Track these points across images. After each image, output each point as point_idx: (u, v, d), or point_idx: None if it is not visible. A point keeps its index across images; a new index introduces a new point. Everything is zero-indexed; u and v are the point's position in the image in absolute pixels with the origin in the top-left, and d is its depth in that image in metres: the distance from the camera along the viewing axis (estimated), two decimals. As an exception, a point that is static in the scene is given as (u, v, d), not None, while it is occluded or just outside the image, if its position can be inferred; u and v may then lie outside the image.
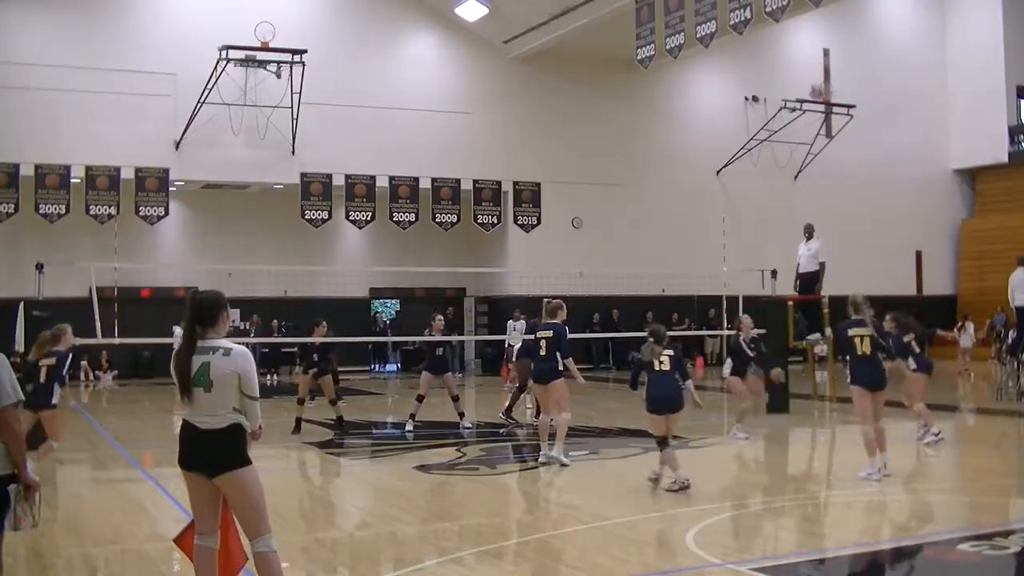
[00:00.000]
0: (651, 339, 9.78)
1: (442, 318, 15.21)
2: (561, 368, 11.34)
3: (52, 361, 10.32)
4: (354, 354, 27.33)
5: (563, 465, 10.93)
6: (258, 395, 5.39)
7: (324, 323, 14.82)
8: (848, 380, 10.49)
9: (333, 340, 15.38)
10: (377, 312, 28.10)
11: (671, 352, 9.62)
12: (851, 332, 10.12)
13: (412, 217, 25.62)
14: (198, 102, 22.75)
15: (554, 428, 11.32)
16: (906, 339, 13.14)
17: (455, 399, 14.74)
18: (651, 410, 9.55)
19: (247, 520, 5.31)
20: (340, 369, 24.63)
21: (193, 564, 5.46)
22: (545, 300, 12.76)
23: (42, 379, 10.23)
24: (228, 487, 5.29)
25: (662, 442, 9.50)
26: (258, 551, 5.28)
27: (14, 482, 5.18)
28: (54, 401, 10.29)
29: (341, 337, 24.71)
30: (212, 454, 5.27)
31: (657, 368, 9.56)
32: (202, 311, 5.39)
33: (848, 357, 10.33)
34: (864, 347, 10.03)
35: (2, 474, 5.17)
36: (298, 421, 14.32)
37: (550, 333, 11.54)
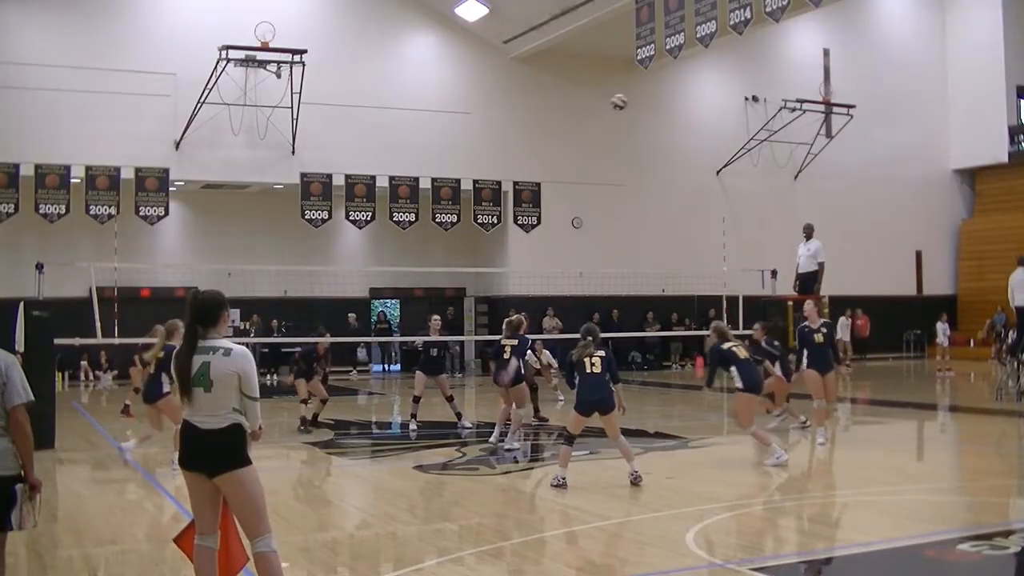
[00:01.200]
0: (588, 338, 9.80)
1: (439, 318, 15.31)
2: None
3: (162, 354, 11.13)
4: (352, 354, 27.38)
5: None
6: (258, 395, 5.40)
7: (327, 333, 15.24)
8: (739, 386, 11.13)
9: (322, 340, 15.56)
10: (350, 313, 26.29)
11: (603, 353, 9.69)
12: (727, 344, 11.16)
13: (412, 217, 25.62)
14: (198, 102, 22.75)
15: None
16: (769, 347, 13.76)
17: (449, 399, 14.75)
18: (580, 411, 9.67)
19: (247, 520, 5.31)
20: (339, 369, 24.72)
21: (193, 564, 5.47)
22: (506, 320, 13.28)
23: (151, 371, 11.34)
24: (228, 487, 5.29)
25: (571, 439, 9.76)
26: (258, 551, 5.28)
27: (19, 481, 5.24)
28: (166, 390, 11.11)
29: (341, 337, 24.80)
30: (212, 454, 5.28)
31: (588, 370, 9.63)
32: (203, 311, 5.40)
33: (733, 367, 11.11)
34: (743, 353, 11.21)
35: (9, 474, 5.22)
36: (303, 420, 14.52)
37: (515, 341, 12.67)
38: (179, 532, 5.77)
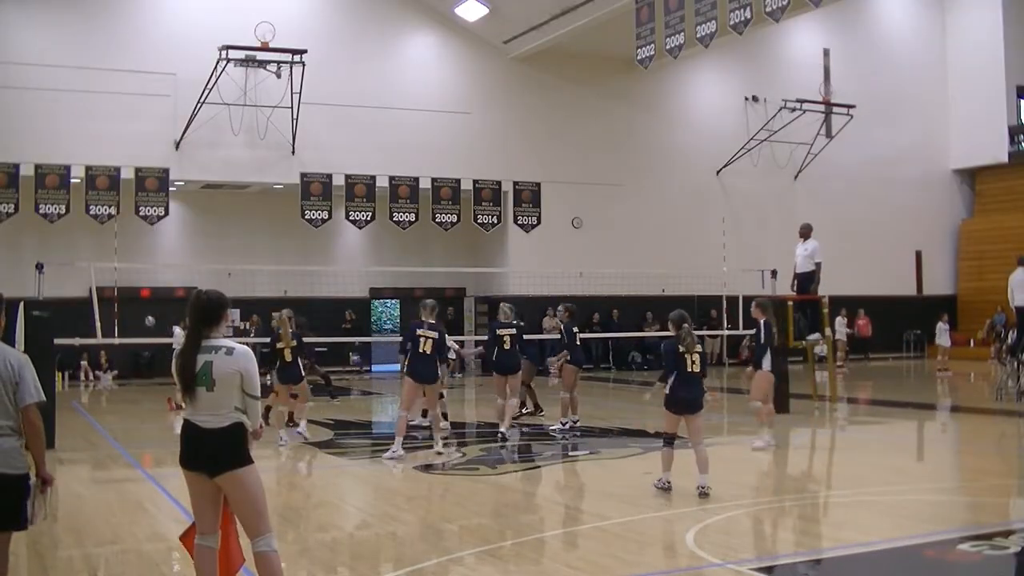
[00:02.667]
0: (685, 325, 9.29)
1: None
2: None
3: (295, 342, 12.97)
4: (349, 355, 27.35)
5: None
6: (260, 394, 5.41)
7: (310, 333, 15.83)
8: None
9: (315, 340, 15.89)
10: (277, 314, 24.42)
11: (701, 349, 9.29)
12: (500, 331, 13.28)
13: (412, 217, 25.61)
14: (198, 102, 22.75)
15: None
16: (575, 329, 14.52)
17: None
18: (675, 411, 9.24)
19: (248, 519, 5.32)
20: (337, 369, 24.68)
21: (193, 563, 5.47)
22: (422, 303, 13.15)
23: (288, 359, 12.95)
24: (229, 486, 5.30)
25: (671, 440, 9.36)
26: (259, 551, 5.28)
27: (27, 480, 5.29)
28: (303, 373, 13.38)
29: (343, 338, 24.79)
30: (214, 453, 5.29)
31: (689, 368, 9.14)
32: (206, 311, 5.41)
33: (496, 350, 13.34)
34: (507, 344, 13.28)
35: (17, 473, 5.26)
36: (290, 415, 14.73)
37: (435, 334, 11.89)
38: (184, 530, 5.76)
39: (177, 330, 18.32)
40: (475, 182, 26.35)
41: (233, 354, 5.32)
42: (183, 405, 5.39)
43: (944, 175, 33.58)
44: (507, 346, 13.38)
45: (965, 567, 6.83)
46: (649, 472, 10.02)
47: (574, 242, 27.27)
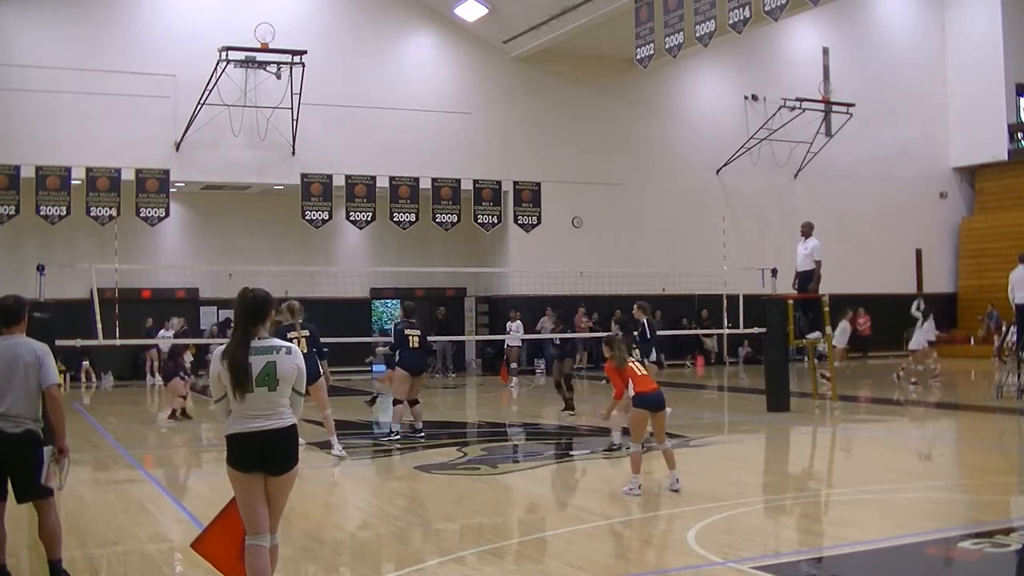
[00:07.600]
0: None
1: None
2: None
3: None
4: (352, 355, 27.31)
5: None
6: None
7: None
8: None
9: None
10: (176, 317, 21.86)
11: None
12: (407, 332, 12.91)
13: (412, 217, 25.63)
14: (198, 103, 22.77)
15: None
16: (405, 330, 14.31)
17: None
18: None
19: (275, 517, 5.39)
20: (337, 370, 24.42)
21: (246, 564, 5.34)
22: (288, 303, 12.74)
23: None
24: (280, 485, 5.36)
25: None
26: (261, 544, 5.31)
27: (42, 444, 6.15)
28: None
29: (342, 338, 24.72)
30: (283, 453, 5.34)
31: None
32: (254, 309, 5.39)
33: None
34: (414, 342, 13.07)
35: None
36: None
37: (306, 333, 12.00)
38: (197, 538, 5.72)
39: (170, 332, 18.24)
40: (475, 182, 26.36)
41: (292, 353, 5.40)
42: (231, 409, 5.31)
43: (944, 173, 33.59)
44: (415, 345, 13.27)
45: (966, 565, 6.84)
46: (650, 472, 10.03)
47: (574, 242, 27.30)
